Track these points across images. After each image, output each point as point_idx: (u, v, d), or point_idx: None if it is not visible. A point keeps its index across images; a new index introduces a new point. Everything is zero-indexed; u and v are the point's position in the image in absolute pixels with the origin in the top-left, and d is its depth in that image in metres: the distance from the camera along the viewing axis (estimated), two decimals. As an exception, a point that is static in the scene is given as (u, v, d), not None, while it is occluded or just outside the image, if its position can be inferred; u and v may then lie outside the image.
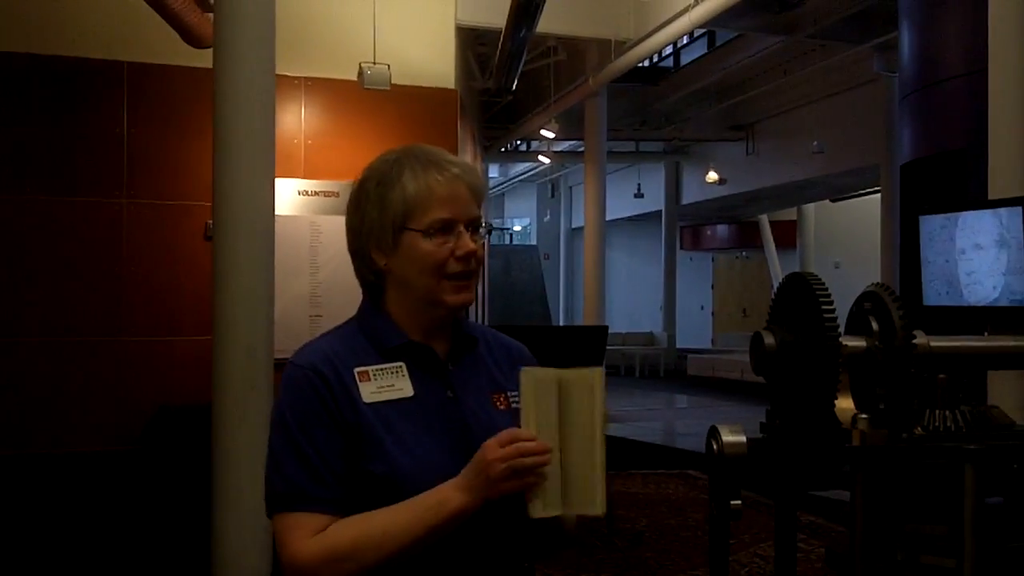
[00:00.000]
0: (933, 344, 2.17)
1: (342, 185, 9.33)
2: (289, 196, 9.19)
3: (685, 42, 21.13)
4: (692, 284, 31.98)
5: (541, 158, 25.89)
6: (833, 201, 26.40)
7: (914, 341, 2.09)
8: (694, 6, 12.81)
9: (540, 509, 2.13)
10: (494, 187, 36.86)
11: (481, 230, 2.37)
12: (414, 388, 2.32)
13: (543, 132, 20.08)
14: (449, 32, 10.93)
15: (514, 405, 2.36)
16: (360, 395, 2.27)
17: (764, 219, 29.20)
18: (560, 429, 2.21)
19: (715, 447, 2.13)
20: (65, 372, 8.99)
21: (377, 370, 2.32)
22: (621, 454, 12.62)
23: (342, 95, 9.90)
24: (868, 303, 2.19)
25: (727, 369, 23.29)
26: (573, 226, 35.24)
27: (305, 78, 9.87)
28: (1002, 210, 4.83)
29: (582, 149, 21.02)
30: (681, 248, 30.97)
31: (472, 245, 2.31)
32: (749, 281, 31.70)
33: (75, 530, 8.22)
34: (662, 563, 7.98)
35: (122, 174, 9.20)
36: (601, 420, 2.23)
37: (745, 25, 16.35)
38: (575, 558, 7.95)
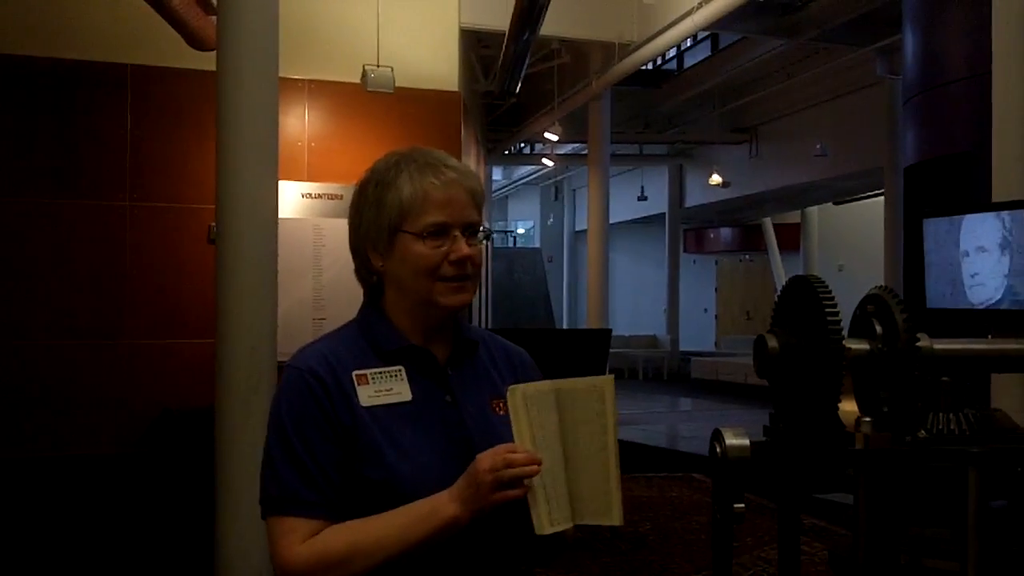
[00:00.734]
0: (937, 347, 2.16)
1: (346, 188, 9.32)
2: (292, 199, 9.19)
3: (688, 45, 21.18)
4: (696, 287, 31.99)
5: (545, 161, 25.90)
6: (836, 204, 26.39)
7: (918, 344, 2.09)
8: (698, 9, 12.82)
9: (547, 524, 2.13)
10: (497, 190, 36.86)
11: (480, 234, 2.37)
12: (412, 392, 2.33)
13: (546, 135, 20.08)
14: (453, 35, 10.93)
15: None
16: (358, 399, 2.28)
17: (767, 222, 29.21)
18: (565, 440, 2.21)
19: (718, 450, 2.12)
20: (68, 375, 8.99)
21: (375, 373, 2.32)
22: (624, 457, 12.59)
23: (346, 98, 9.90)
24: (871, 306, 2.18)
25: (731, 372, 23.28)
26: (577, 229, 35.26)
27: (309, 81, 9.87)
28: (1005, 213, 4.83)
29: (585, 152, 21.04)
30: (684, 251, 30.98)
31: (466, 250, 2.31)
32: (753, 284, 31.69)
33: (78, 533, 8.22)
34: (666, 566, 7.98)
35: (125, 177, 9.21)
36: (614, 429, 2.23)
37: (748, 28, 16.36)
38: (578, 561, 7.95)
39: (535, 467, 2.10)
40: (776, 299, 2.28)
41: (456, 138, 10.61)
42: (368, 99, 9.55)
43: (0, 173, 8.90)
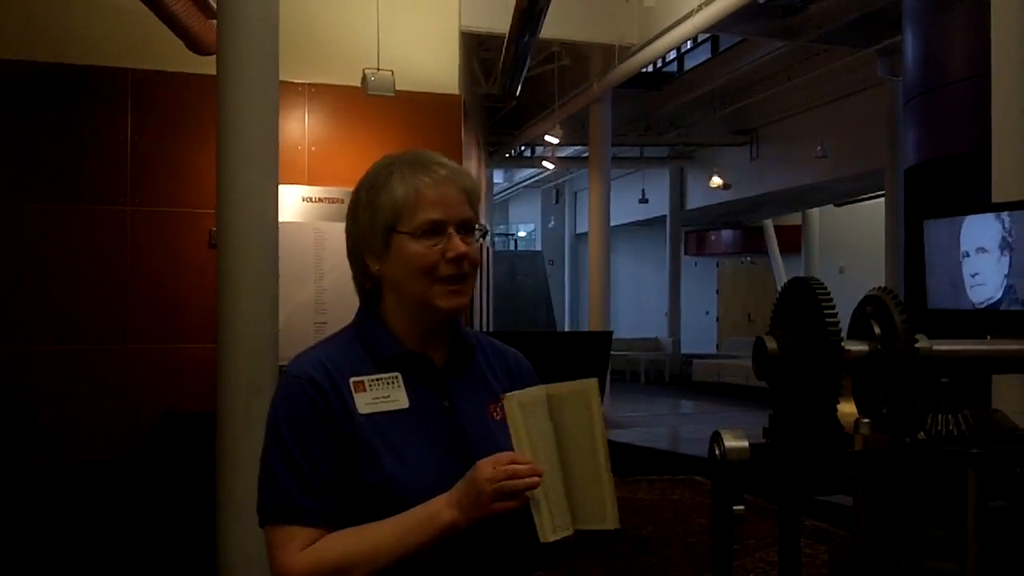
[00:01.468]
0: (936, 348, 2.17)
1: (346, 192, 9.27)
2: (293, 203, 9.19)
3: (689, 47, 21.12)
4: (697, 289, 31.99)
5: (545, 164, 25.90)
6: (837, 206, 26.40)
7: (916, 345, 2.09)
8: (698, 11, 12.83)
9: (551, 532, 2.12)
10: (498, 193, 36.86)
11: (476, 232, 2.36)
12: (410, 399, 2.32)
13: (547, 138, 20.08)
14: (453, 38, 10.93)
15: None
16: (355, 405, 2.27)
17: (769, 224, 29.22)
18: (559, 446, 2.21)
19: (718, 452, 2.12)
20: (69, 380, 9.00)
21: (373, 380, 2.31)
22: (626, 460, 12.63)
23: (346, 101, 9.91)
24: (870, 307, 2.19)
25: (732, 374, 23.27)
26: (578, 232, 35.23)
27: (309, 84, 9.88)
28: (1005, 214, 4.82)
29: (586, 155, 21.03)
30: (686, 253, 30.98)
31: (463, 247, 2.30)
32: (754, 286, 31.68)
33: (81, 537, 8.23)
34: (667, 569, 7.99)
35: (127, 181, 9.21)
36: (601, 432, 2.22)
37: (749, 30, 16.36)
38: (580, 564, 7.95)
39: (536, 479, 2.10)
40: (775, 301, 2.29)
41: (457, 141, 10.61)
42: (368, 103, 9.55)
43: (2, 178, 8.91)
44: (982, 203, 6.08)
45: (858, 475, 2.08)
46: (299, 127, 9.81)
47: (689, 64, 21.90)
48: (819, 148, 19.65)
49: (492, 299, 20.81)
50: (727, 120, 23.12)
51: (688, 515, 9.86)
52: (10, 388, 8.82)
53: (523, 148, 27.70)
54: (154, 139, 9.30)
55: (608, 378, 13.18)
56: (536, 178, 33.37)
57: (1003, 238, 5.38)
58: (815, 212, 27.78)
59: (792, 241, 28.64)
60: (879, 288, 2.21)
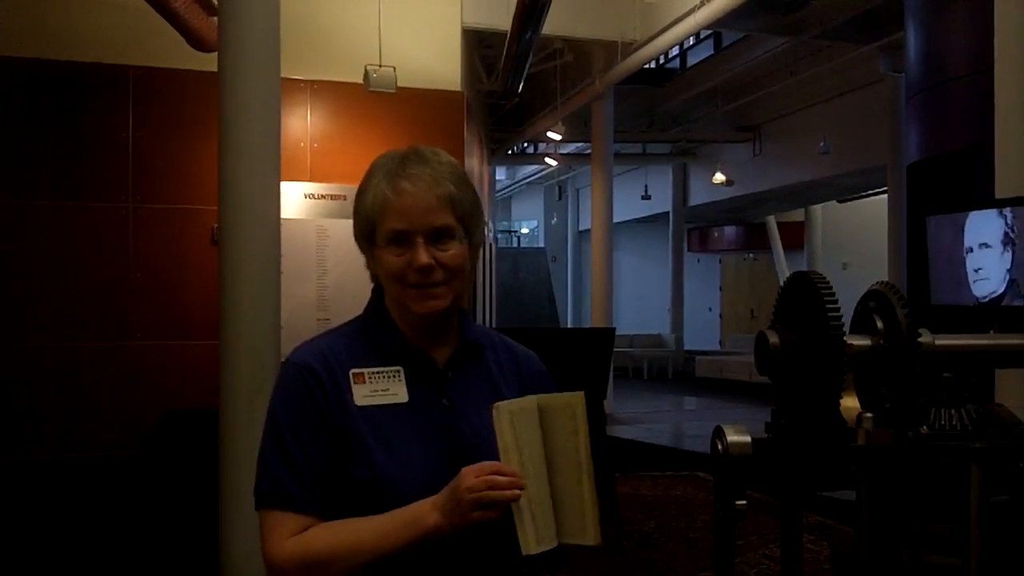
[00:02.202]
0: (938, 343, 2.16)
1: (348, 188, 9.31)
2: (295, 199, 9.19)
3: (691, 43, 21.11)
4: (700, 286, 31.95)
5: (548, 160, 25.86)
6: (840, 202, 26.35)
7: (919, 340, 2.09)
8: (700, 7, 12.82)
9: (534, 545, 2.11)
10: (501, 190, 36.84)
11: (456, 237, 2.32)
12: (409, 394, 2.32)
13: (550, 134, 20.03)
14: (455, 34, 10.93)
15: None
16: (352, 397, 2.28)
17: (772, 220, 29.17)
18: (546, 458, 2.19)
19: (720, 447, 2.12)
20: (72, 377, 9.00)
21: (373, 373, 2.32)
22: (629, 456, 12.64)
23: (348, 98, 9.90)
24: (873, 302, 2.18)
25: (735, 371, 23.25)
26: (580, 228, 35.18)
27: (311, 81, 9.87)
28: (1007, 209, 4.82)
29: (589, 151, 21.03)
30: (689, 250, 30.94)
31: (424, 259, 2.27)
32: (757, 283, 31.62)
33: (83, 535, 8.22)
34: (670, 565, 7.98)
35: (128, 179, 9.21)
36: (586, 446, 2.21)
37: (751, 26, 16.34)
38: (582, 560, 7.94)
39: (517, 492, 2.09)
40: (777, 296, 2.28)
41: (459, 138, 10.60)
42: (370, 99, 9.54)
43: (3, 176, 8.91)
44: (985, 199, 6.07)
45: (861, 470, 2.08)
46: (301, 124, 9.81)
47: (692, 60, 21.87)
48: (822, 144, 19.62)
49: (495, 296, 20.81)
50: (730, 116, 23.08)
51: (691, 511, 9.85)
52: (13, 385, 8.82)
53: (526, 145, 27.69)
54: (156, 136, 9.29)
55: (611, 375, 13.15)
56: (539, 175, 33.33)
57: (1005, 233, 5.37)
58: (818, 208, 27.73)
59: (795, 237, 28.60)
60: (882, 283, 2.20)
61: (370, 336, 2.39)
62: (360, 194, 2.36)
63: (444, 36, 10.76)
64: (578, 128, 20.87)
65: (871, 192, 23.49)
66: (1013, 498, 2.13)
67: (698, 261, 32.71)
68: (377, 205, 2.29)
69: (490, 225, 21.28)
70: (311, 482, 2.22)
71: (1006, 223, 5.44)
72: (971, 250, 5.62)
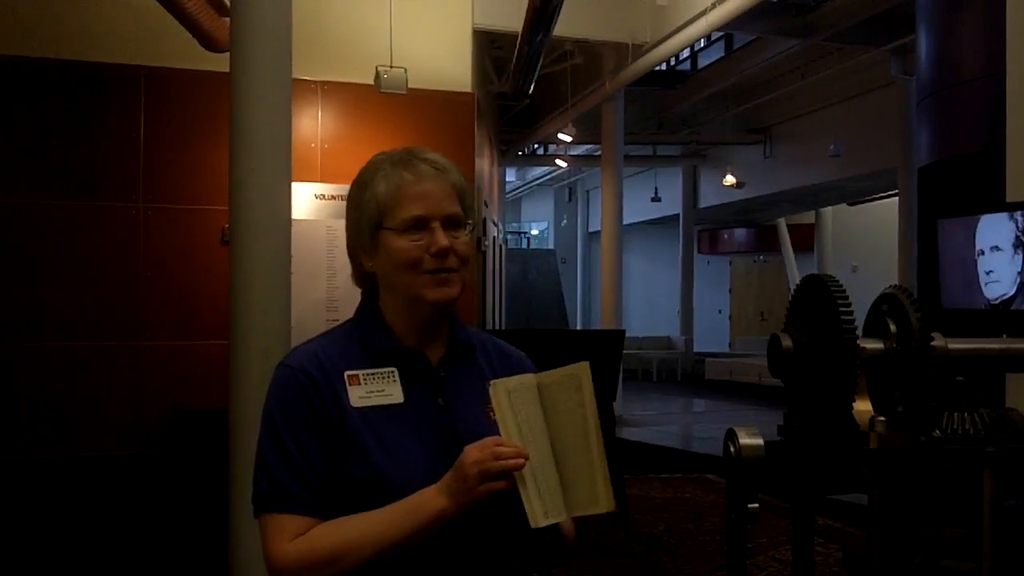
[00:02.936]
0: (951, 346, 2.16)
1: (359, 189, 9.31)
2: (306, 200, 9.19)
3: (702, 45, 21.13)
4: (710, 288, 31.95)
5: (558, 162, 25.88)
6: (851, 204, 26.36)
7: (932, 343, 2.08)
8: (711, 9, 12.82)
9: (541, 517, 2.12)
10: (511, 191, 36.86)
11: (465, 227, 2.37)
12: (404, 394, 2.33)
13: (560, 136, 20.03)
14: (466, 36, 10.93)
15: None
16: (348, 399, 2.29)
17: (782, 223, 29.17)
18: (550, 432, 2.20)
19: (732, 450, 2.12)
20: (82, 376, 9.00)
21: (368, 374, 2.33)
22: (639, 458, 12.64)
23: (359, 99, 9.90)
24: (886, 305, 2.18)
25: (745, 373, 23.24)
26: (590, 230, 35.21)
27: (322, 82, 9.87)
28: (1018, 213, 4.82)
29: (599, 153, 21.01)
30: (698, 252, 30.95)
31: (445, 241, 2.30)
32: (767, 285, 31.63)
33: (93, 534, 8.24)
34: (680, 567, 7.98)
35: (139, 179, 9.22)
36: (593, 415, 2.22)
37: (762, 28, 16.34)
38: (592, 562, 7.95)
39: (521, 460, 2.10)
40: (790, 299, 2.28)
41: (469, 139, 10.61)
42: (381, 100, 9.54)
43: (14, 175, 8.92)
44: (995, 202, 6.07)
45: (873, 473, 2.08)
46: (312, 124, 9.81)
47: (702, 62, 21.90)
48: (832, 147, 19.64)
49: (504, 297, 20.83)
50: (740, 118, 23.10)
51: (700, 513, 9.85)
52: (23, 384, 8.83)
53: (536, 146, 27.70)
54: (167, 136, 9.30)
55: (620, 376, 13.16)
56: (549, 176, 33.39)
57: (1016, 236, 5.38)
58: (828, 211, 27.74)
59: (805, 240, 28.61)
60: (895, 286, 2.20)
61: (363, 338, 2.40)
62: (363, 186, 2.38)
63: (455, 37, 10.76)
64: (588, 130, 20.87)
65: (882, 195, 23.50)
66: (1026, 502, 2.13)
67: (708, 263, 32.72)
68: (392, 192, 2.32)
69: (500, 226, 21.30)
70: (312, 483, 2.22)
71: (1017, 226, 5.44)
72: (982, 253, 5.62)
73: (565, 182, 33.83)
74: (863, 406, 2.14)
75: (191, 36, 8.46)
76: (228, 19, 6.80)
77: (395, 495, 2.18)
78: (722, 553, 7.74)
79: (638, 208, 28.18)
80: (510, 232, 36.63)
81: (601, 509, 2.20)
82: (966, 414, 2.17)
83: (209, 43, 8.61)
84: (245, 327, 6.16)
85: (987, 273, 5.44)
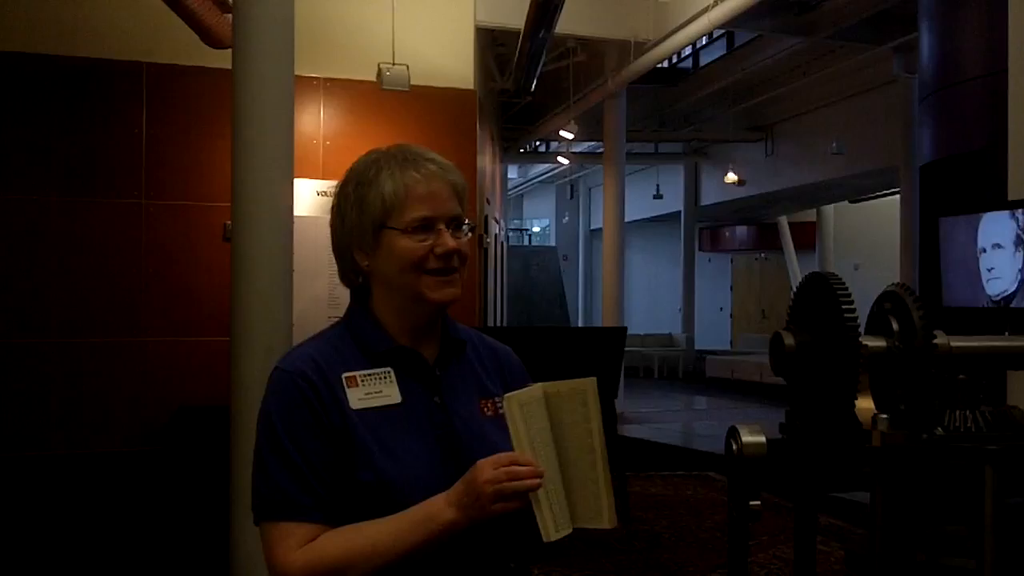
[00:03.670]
0: (953, 344, 2.16)
1: (361, 186, 9.30)
2: (308, 197, 9.18)
3: (704, 43, 21.09)
4: (711, 286, 31.94)
5: (560, 159, 25.84)
6: (852, 202, 26.31)
7: (934, 341, 2.09)
8: (713, 7, 12.80)
9: (553, 532, 2.12)
10: (513, 188, 36.81)
11: (464, 227, 2.37)
12: (402, 394, 2.32)
13: (562, 133, 20.01)
14: (468, 33, 10.92)
15: (501, 411, 2.33)
16: (348, 401, 2.27)
17: (783, 220, 29.13)
18: (556, 444, 2.20)
19: (735, 447, 2.12)
20: (84, 373, 9.01)
21: (365, 375, 2.31)
22: (640, 455, 12.64)
23: (361, 96, 9.90)
24: (888, 303, 2.18)
25: (746, 371, 23.22)
26: (592, 227, 35.18)
27: (324, 79, 9.88)
28: (1019, 211, 4.82)
29: (601, 150, 21.00)
30: (700, 250, 30.91)
31: (452, 243, 2.31)
32: (768, 283, 31.60)
33: (95, 530, 8.24)
34: (680, 565, 7.98)
35: (141, 175, 9.22)
36: (599, 430, 2.21)
37: (764, 26, 16.32)
38: (594, 559, 7.95)
39: (537, 480, 2.09)
40: (792, 297, 2.28)
41: (472, 136, 10.61)
42: (384, 97, 9.55)
43: (16, 171, 8.92)
44: (996, 200, 6.07)
45: (875, 471, 2.08)
46: (314, 121, 9.81)
47: (704, 60, 21.86)
48: (834, 145, 19.61)
49: (506, 294, 20.83)
50: (742, 116, 23.06)
51: (701, 511, 9.85)
52: (24, 380, 8.84)
53: (538, 143, 27.68)
54: (169, 133, 9.30)
55: (622, 374, 13.15)
56: (551, 173, 33.31)
57: (1017, 234, 5.39)
58: (830, 209, 27.70)
59: (807, 238, 28.57)
60: (897, 284, 2.20)
61: (357, 339, 2.39)
62: (366, 184, 2.35)
63: (457, 34, 10.75)
64: (590, 127, 20.85)
65: (883, 193, 23.46)
66: (1027, 500, 2.13)
67: (709, 261, 32.69)
68: (400, 192, 2.31)
69: (502, 224, 21.29)
70: (315, 489, 2.20)
71: (1018, 224, 5.45)
72: (984, 250, 5.63)
73: (567, 179, 33.76)
74: (865, 404, 2.14)
75: (193, 32, 8.46)
76: (230, 15, 6.80)
77: (399, 497, 2.17)
78: (723, 551, 7.74)
79: (640, 205, 28.17)
80: (512, 229, 36.58)
81: (604, 525, 2.19)
82: (968, 412, 2.18)
83: (211, 39, 8.61)
84: (247, 323, 6.16)
85: (988, 270, 5.45)
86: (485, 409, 2.40)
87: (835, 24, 15.50)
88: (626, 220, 19.53)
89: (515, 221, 39.64)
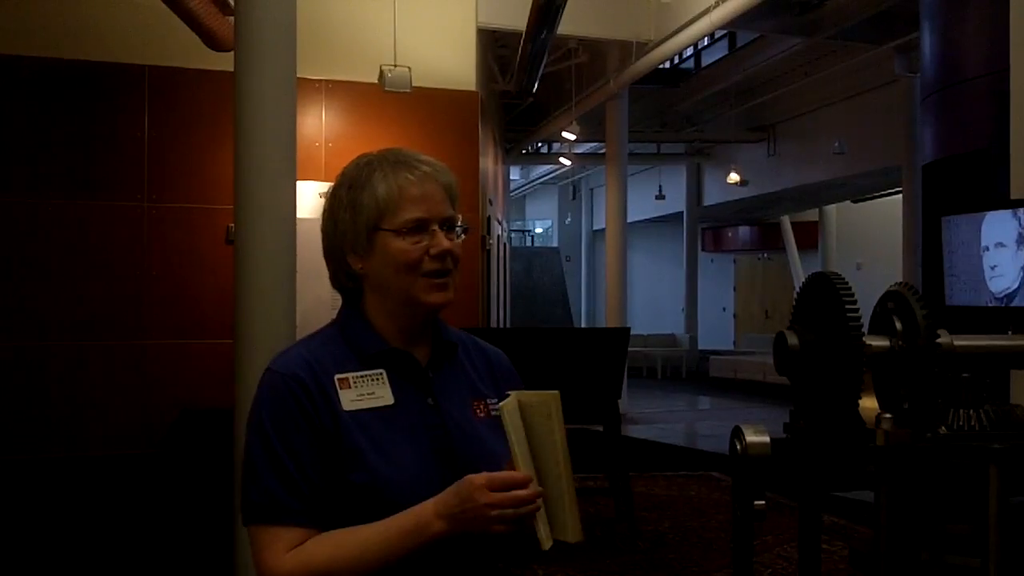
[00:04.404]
0: (956, 343, 2.16)
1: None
2: (310, 199, 9.18)
3: (706, 43, 21.10)
4: (714, 286, 31.95)
5: (562, 160, 25.83)
6: (855, 202, 26.32)
7: (937, 340, 2.09)
8: (715, 7, 12.80)
9: (547, 540, 2.12)
10: (515, 189, 36.80)
11: (457, 229, 2.36)
12: (394, 396, 2.31)
13: (564, 134, 20.00)
14: (470, 34, 10.94)
15: (494, 413, 2.33)
16: (340, 403, 2.26)
17: (786, 220, 29.13)
18: (533, 454, 2.20)
19: (739, 447, 2.12)
20: (87, 376, 9.03)
21: (357, 377, 2.30)
22: (643, 456, 12.64)
23: (363, 98, 9.92)
24: (891, 303, 2.18)
25: (749, 371, 23.23)
26: (594, 228, 35.21)
27: (326, 81, 9.89)
28: (1021, 210, 4.83)
29: (603, 151, 21.03)
30: (703, 250, 30.95)
31: (446, 244, 2.30)
32: (771, 282, 31.60)
33: (98, 533, 8.24)
34: (685, 565, 7.98)
35: (143, 178, 9.24)
36: (563, 444, 2.19)
37: (766, 26, 16.32)
38: (597, 559, 7.95)
39: (539, 504, 2.10)
40: (796, 297, 2.29)
41: (474, 138, 10.62)
42: (386, 99, 9.56)
43: (19, 174, 8.94)
44: (998, 199, 6.07)
45: (880, 470, 2.08)
46: (316, 123, 9.83)
47: (706, 60, 21.88)
48: (836, 144, 19.60)
49: (509, 295, 20.82)
50: (744, 116, 23.08)
51: (705, 511, 9.84)
52: (27, 383, 8.85)
53: (540, 145, 27.71)
54: (171, 135, 9.32)
55: (625, 374, 13.16)
56: (553, 174, 33.34)
57: (1020, 233, 5.40)
58: (832, 208, 27.70)
59: (809, 237, 28.58)
60: (900, 284, 2.21)
61: (349, 341, 2.38)
62: (358, 186, 2.35)
63: (459, 36, 10.77)
64: (592, 128, 20.86)
65: (886, 192, 23.47)
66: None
67: (712, 261, 32.70)
68: (393, 193, 2.30)
69: (504, 225, 21.29)
70: (305, 493, 2.19)
71: (1020, 223, 5.45)
72: (987, 249, 5.63)
73: (569, 180, 33.80)
74: (869, 403, 2.15)
75: (195, 35, 8.47)
76: (232, 18, 6.80)
77: (392, 499, 2.17)
78: (727, 551, 7.74)
79: (642, 206, 28.18)
80: (514, 230, 36.58)
81: (568, 538, 2.18)
82: (972, 411, 2.18)
83: (213, 42, 8.62)
84: (250, 326, 6.16)
85: (991, 268, 5.45)
86: (477, 410, 2.39)
87: (837, 24, 15.49)
88: (628, 221, 19.53)
89: (517, 222, 39.64)
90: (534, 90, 15.82)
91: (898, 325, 2.13)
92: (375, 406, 2.28)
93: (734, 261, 33.04)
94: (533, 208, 41.26)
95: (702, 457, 12.95)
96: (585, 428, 9.38)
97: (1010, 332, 2.44)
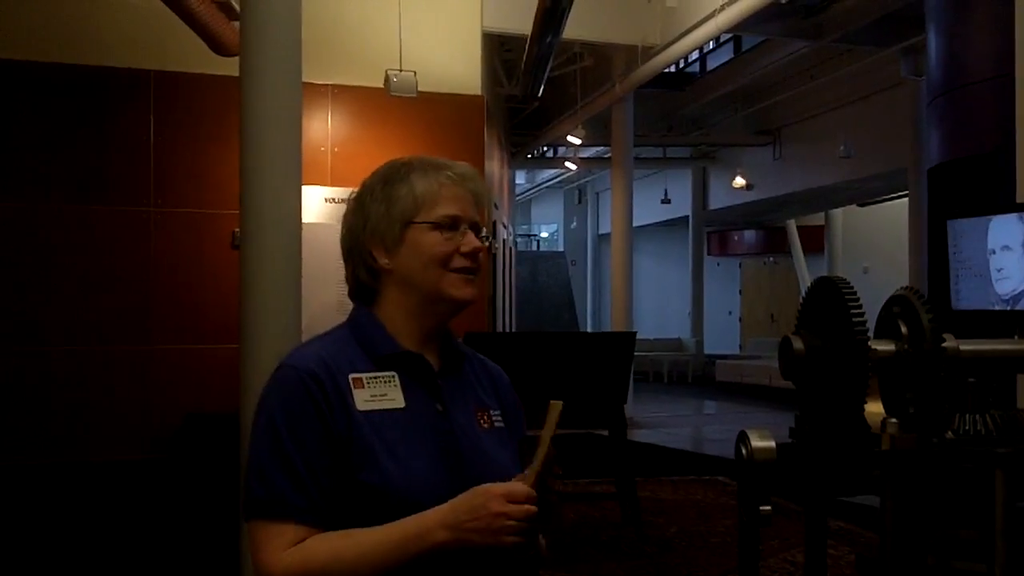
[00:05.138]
0: (962, 348, 2.16)
1: (369, 192, 9.31)
2: (316, 204, 9.20)
3: (711, 47, 21.12)
4: (720, 290, 31.89)
5: (568, 164, 25.85)
6: (861, 206, 26.31)
7: (943, 345, 2.08)
8: (720, 11, 12.80)
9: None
10: (521, 194, 36.78)
11: (482, 235, 2.38)
12: (405, 399, 2.31)
13: (570, 138, 20.04)
14: (475, 38, 10.94)
15: (497, 424, 2.40)
16: (354, 402, 2.25)
17: (792, 224, 29.10)
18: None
19: (744, 452, 2.12)
20: (93, 380, 9.03)
21: (370, 378, 2.30)
22: (650, 460, 12.63)
23: (369, 102, 9.92)
24: (897, 307, 2.18)
25: (755, 375, 23.19)
26: (600, 232, 35.16)
27: (332, 85, 9.90)
28: (1028, 213, 4.81)
29: (609, 155, 21.01)
30: (708, 254, 30.91)
31: (477, 242, 2.33)
32: (777, 287, 31.57)
33: (103, 538, 8.24)
34: (691, 569, 7.97)
35: (149, 182, 9.25)
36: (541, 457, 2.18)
37: (771, 30, 16.31)
38: (603, 564, 7.94)
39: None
40: (801, 301, 2.28)
41: (479, 142, 10.62)
42: (391, 103, 9.56)
43: (25, 179, 8.95)
44: (1005, 203, 6.07)
45: (886, 475, 2.07)
46: (322, 128, 9.83)
47: (712, 64, 21.90)
48: (842, 148, 19.59)
49: (515, 299, 20.81)
50: (750, 120, 23.08)
51: (711, 516, 9.83)
52: (33, 388, 8.86)
53: (545, 149, 27.71)
54: (177, 140, 9.33)
55: (631, 379, 13.17)
56: (558, 179, 33.32)
57: (1025, 238, 5.39)
58: (838, 212, 27.69)
59: (815, 241, 28.56)
60: (906, 288, 2.20)
61: (361, 341, 2.38)
62: (396, 181, 2.37)
63: (465, 40, 10.78)
64: (598, 132, 20.84)
65: (892, 196, 23.44)
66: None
67: (718, 265, 32.66)
68: (433, 189, 2.33)
69: (510, 229, 21.29)
70: (311, 491, 2.18)
71: (1025, 227, 5.44)
72: (993, 252, 5.62)
73: (575, 184, 33.81)
74: (875, 408, 2.14)
75: (201, 40, 8.47)
76: (237, 23, 6.81)
77: (400, 502, 2.16)
78: (734, 555, 7.73)
79: (648, 210, 28.14)
80: (520, 235, 36.55)
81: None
82: (978, 415, 2.17)
83: (219, 47, 8.63)
84: (255, 331, 6.16)
85: (998, 271, 5.45)
86: (482, 421, 2.40)
87: (842, 27, 15.49)
88: (634, 225, 19.51)
89: (523, 226, 39.63)
90: (539, 94, 15.82)
91: (904, 329, 2.13)
92: (386, 408, 2.28)
93: (740, 265, 33.01)
94: (539, 212, 41.24)
95: (708, 461, 12.94)
96: (591, 432, 9.38)
97: (1016, 336, 2.43)
